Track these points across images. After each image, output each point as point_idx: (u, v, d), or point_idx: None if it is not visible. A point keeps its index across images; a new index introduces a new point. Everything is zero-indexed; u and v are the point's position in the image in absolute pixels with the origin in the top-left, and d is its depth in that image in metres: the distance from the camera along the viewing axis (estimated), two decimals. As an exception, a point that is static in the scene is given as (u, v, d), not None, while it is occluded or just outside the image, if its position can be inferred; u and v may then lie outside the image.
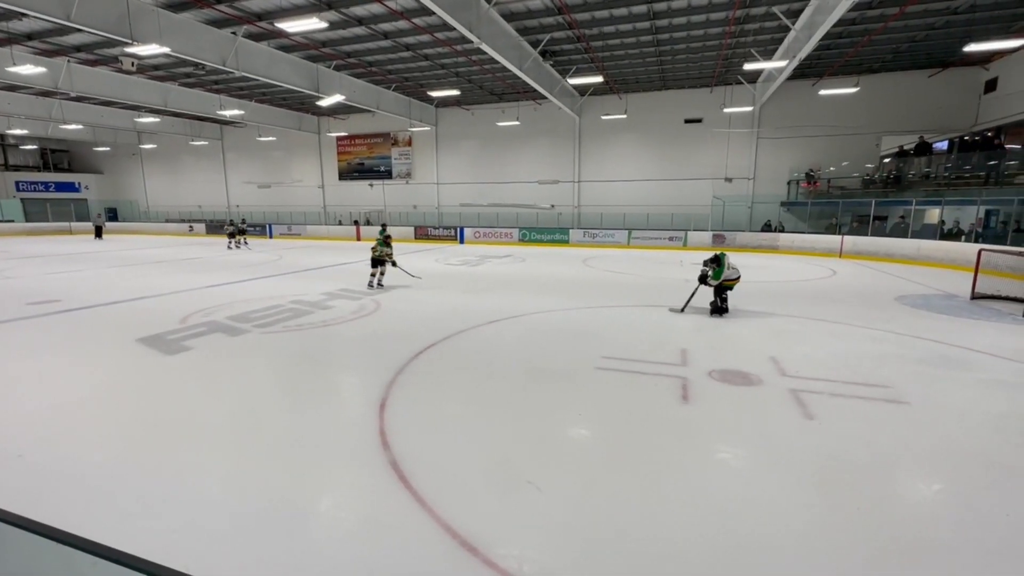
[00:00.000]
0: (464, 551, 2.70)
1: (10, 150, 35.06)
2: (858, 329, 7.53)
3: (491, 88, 23.05)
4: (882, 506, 3.16)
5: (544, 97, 20.11)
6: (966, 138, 16.92)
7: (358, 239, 26.49)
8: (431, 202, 28.65)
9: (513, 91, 22.99)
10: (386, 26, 15.24)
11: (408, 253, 19.62)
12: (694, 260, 16.90)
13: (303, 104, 26.33)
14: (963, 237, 15.41)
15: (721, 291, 8.45)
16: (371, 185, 29.94)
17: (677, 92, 22.98)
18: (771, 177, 22.25)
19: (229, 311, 8.69)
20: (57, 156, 37.25)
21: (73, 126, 26.18)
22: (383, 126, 28.27)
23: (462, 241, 24.94)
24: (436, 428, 4.26)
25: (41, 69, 15.54)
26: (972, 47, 12.29)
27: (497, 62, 15.31)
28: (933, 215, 17.16)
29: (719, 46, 16.77)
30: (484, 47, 13.21)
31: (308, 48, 17.17)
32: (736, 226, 22.06)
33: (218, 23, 14.68)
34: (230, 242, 21.51)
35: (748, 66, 15.21)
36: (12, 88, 21.93)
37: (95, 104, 25.19)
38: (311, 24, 10.95)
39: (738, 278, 8.47)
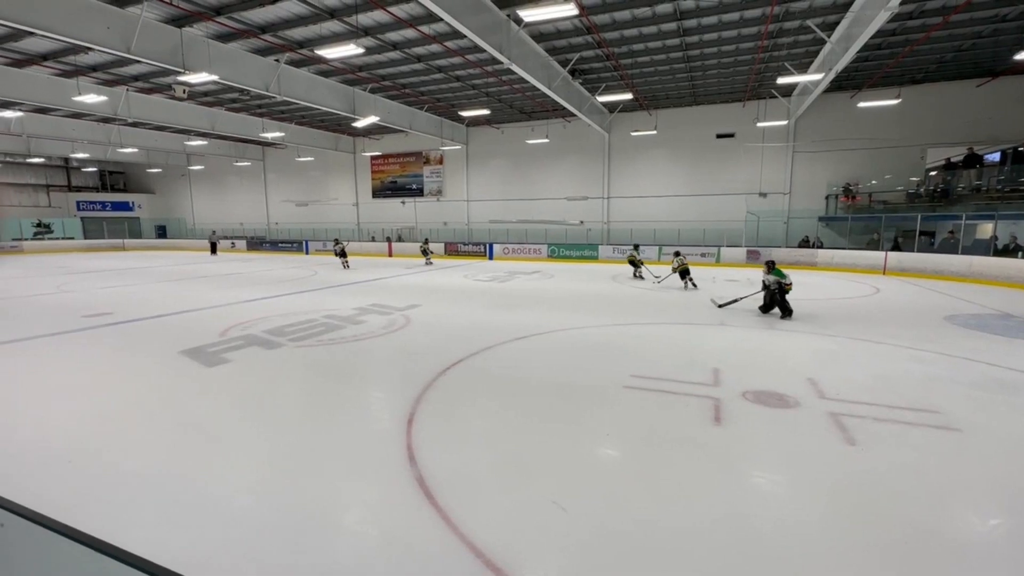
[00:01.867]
0: (489, 571, 2.68)
1: (73, 172, 37.83)
2: (903, 350, 7.16)
3: (521, 107, 23.41)
4: (930, 542, 2.97)
5: (573, 115, 20.28)
6: (1020, 149, 16.05)
7: (390, 255, 27.09)
8: (461, 219, 29.10)
9: (542, 109, 23.27)
10: (419, 50, 15.77)
11: (438, 269, 19.93)
12: (728, 276, 16.56)
13: (340, 125, 27.38)
14: (1020, 253, 14.52)
15: (783, 294, 9.51)
16: (403, 203, 30.71)
17: (708, 107, 22.76)
18: (808, 192, 21.63)
19: (266, 325, 9.00)
20: (114, 177, 39.97)
21: (129, 149, 28.01)
22: (415, 145, 29.03)
23: (491, 257, 25.14)
24: (463, 444, 4.27)
25: (103, 98, 16.74)
26: (1024, 55, 11.75)
27: (527, 82, 15.59)
28: (985, 230, 16.26)
29: (751, 61, 16.58)
30: (514, 68, 13.48)
31: (345, 73, 17.91)
32: (771, 241, 21.47)
33: (262, 51, 15.53)
34: (426, 258, 21.33)
35: (782, 80, 14.91)
36: (77, 115, 23.70)
37: (149, 129, 26.93)
38: (349, 50, 11.44)
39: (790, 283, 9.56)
